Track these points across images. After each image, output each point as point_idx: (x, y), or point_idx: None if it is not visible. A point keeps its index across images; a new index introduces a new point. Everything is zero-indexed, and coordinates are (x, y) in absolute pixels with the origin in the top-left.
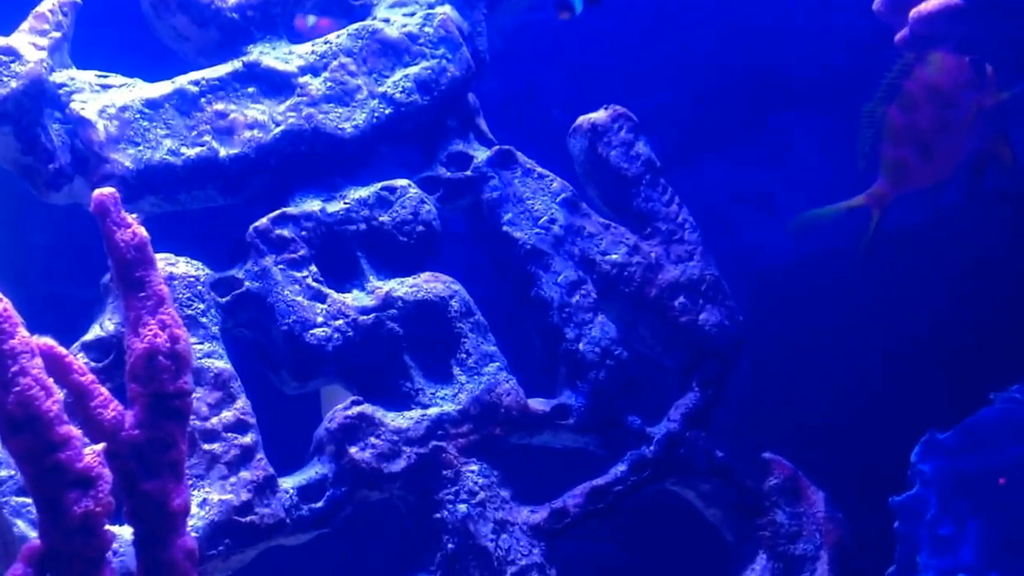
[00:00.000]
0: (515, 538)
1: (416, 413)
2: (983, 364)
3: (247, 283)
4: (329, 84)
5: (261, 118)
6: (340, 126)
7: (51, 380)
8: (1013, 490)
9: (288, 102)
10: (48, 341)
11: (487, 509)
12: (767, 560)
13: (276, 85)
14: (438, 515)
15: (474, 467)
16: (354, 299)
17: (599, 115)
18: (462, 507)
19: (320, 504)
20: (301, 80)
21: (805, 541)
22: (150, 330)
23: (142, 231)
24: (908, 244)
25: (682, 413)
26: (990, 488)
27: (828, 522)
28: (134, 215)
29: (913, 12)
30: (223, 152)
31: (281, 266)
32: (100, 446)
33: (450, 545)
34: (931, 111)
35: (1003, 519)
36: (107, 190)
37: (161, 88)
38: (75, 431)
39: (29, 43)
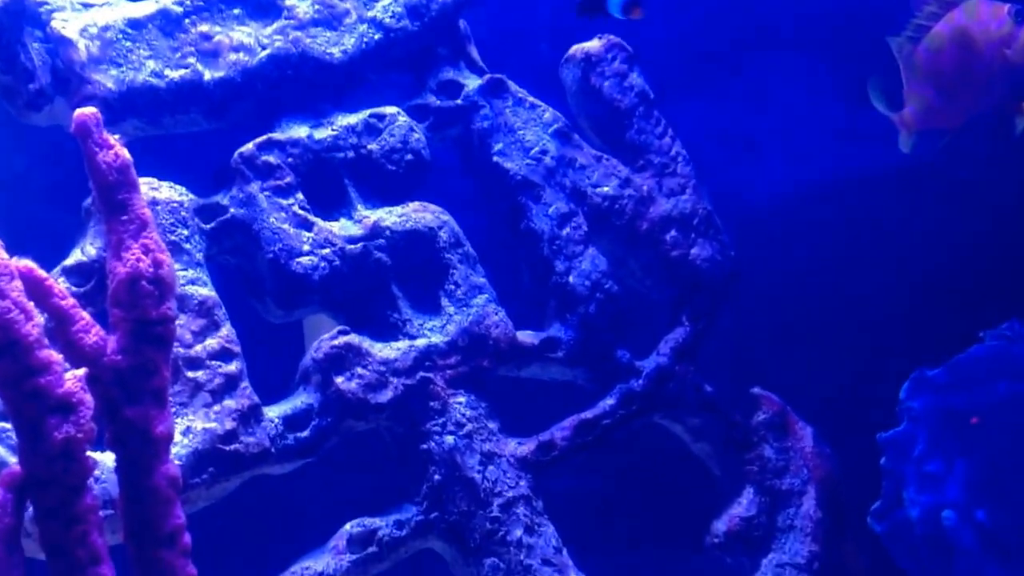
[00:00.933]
0: (502, 470)
1: (403, 344)
2: (973, 301)
3: (232, 209)
4: (317, 7)
5: (247, 41)
6: (328, 51)
7: (31, 304)
8: (1001, 428)
9: (275, 25)
10: (28, 263)
11: (474, 441)
12: (754, 494)
13: (262, 7)
14: (425, 446)
15: (461, 399)
16: (341, 228)
17: (593, 44)
18: (449, 439)
19: (305, 434)
20: (288, 2)
21: (792, 476)
22: (133, 254)
23: (125, 153)
24: (899, 182)
25: (672, 347)
26: (978, 425)
27: (816, 457)
28: (117, 136)
29: None
30: (208, 75)
31: (267, 193)
32: (81, 371)
33: (437, 476)
34: (956, 56)
35: (991, 456)
36: (89, 110)
37: (144, 8)
38: (56, 356)
39: None
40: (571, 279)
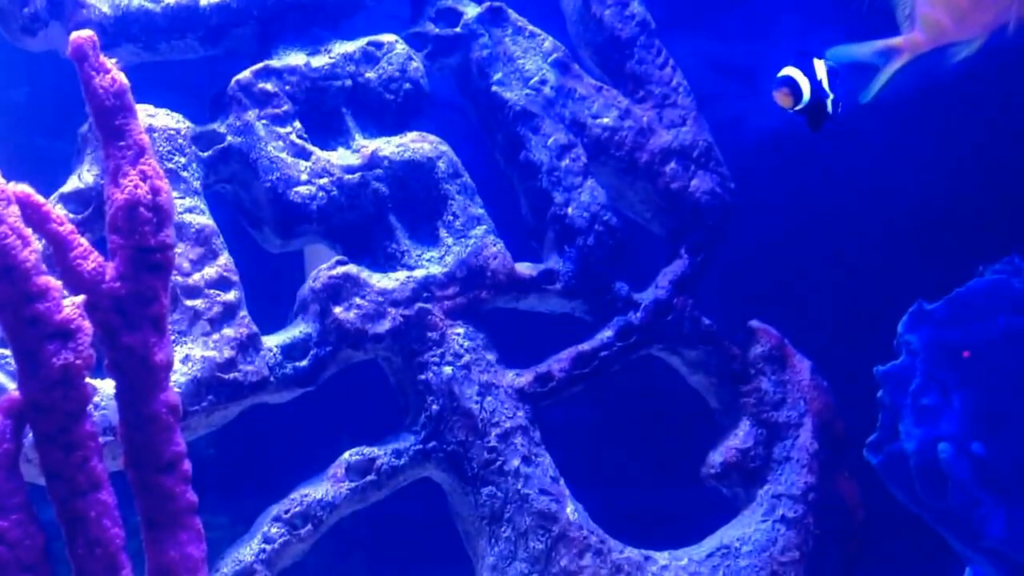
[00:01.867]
0: (500, 400)
1: (402, 275)
2: (974, 235)
3: (229, 138)
4: None
5: None
6: None
7: (29, 230)
8: (999, 361)
9: None
10: (25, 189)
11: (472, 371)
12: (751, 426)
13: None
14: (423, 376)
15: (460, 330)
16: (339, 157)
17: None
18: (447, 369)
19: (304, 363)
20: None
21: (789, 408)
22: (131, 181)
23: (122, 77)
24: (899, 114)
25: (670, 280)
26: (976, 359)
27: (813, 390)
28: (114, 60)
29: None
30: (204, 0)
31: (264, 121)
32: (80, 298)
33: (435, 406)
34: None
35: (987, 390)
36: (85, 33)
37: None
38: (54, 282)
39: None
40: (570, 211)
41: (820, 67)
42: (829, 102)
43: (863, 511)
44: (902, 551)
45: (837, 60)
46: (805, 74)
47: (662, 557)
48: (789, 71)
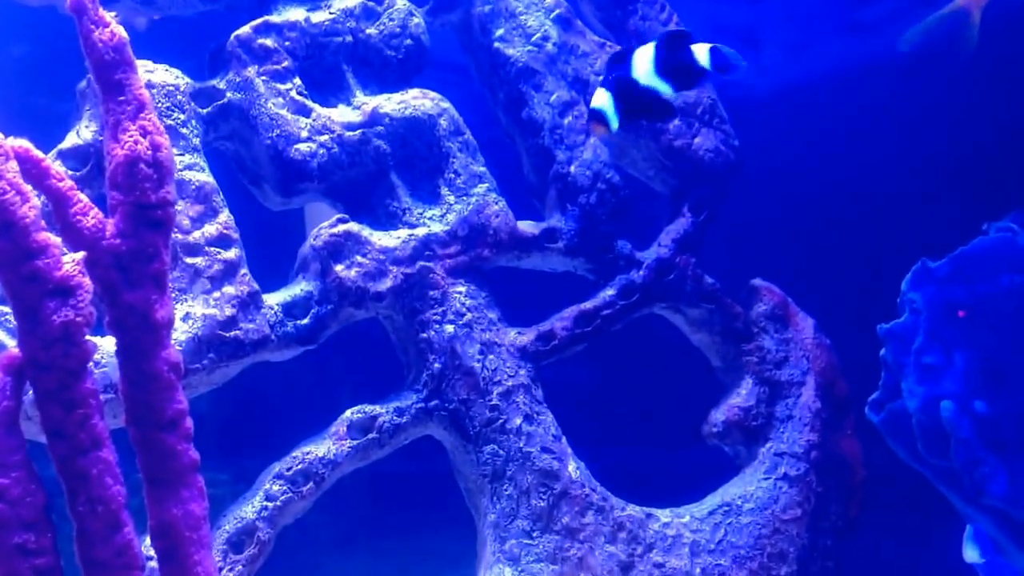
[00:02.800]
0: (501, 359)
1: (403, 233)
2: (979, 193)
3: (229, 94)
4: None
5: None
6: None
7: (28, 186)
8: (1001, 319)
9: None
10: (24, 144)
11: (474, 330)
12: (753, 384)
13: None
14: (425, 335)
15: (461, 288)
16: (340, 114)
17: None
18: (449, 327)
19: (305, 321)
20: None
21: (792, 366)
22: (131, 136)
23: (121, 31)
24: (899, 74)
25: (673, 238)
26: (980, 317)
27: (816, 348)
28: (113, 13)
29: None
30: None
31: (264, 77)
32: (80, 255)
33: (436, 365)
34: None
35: (990, 348)
36: None
37: None
38: (53, 238)
39: None
40: (572, 169)
41: (644, 57)
42: (670, 87)
43: (865, 469)
44: (904, 509)
45: (912, 45)
46: (617, 85)
47: (664, 515)
48: (596, 100)
